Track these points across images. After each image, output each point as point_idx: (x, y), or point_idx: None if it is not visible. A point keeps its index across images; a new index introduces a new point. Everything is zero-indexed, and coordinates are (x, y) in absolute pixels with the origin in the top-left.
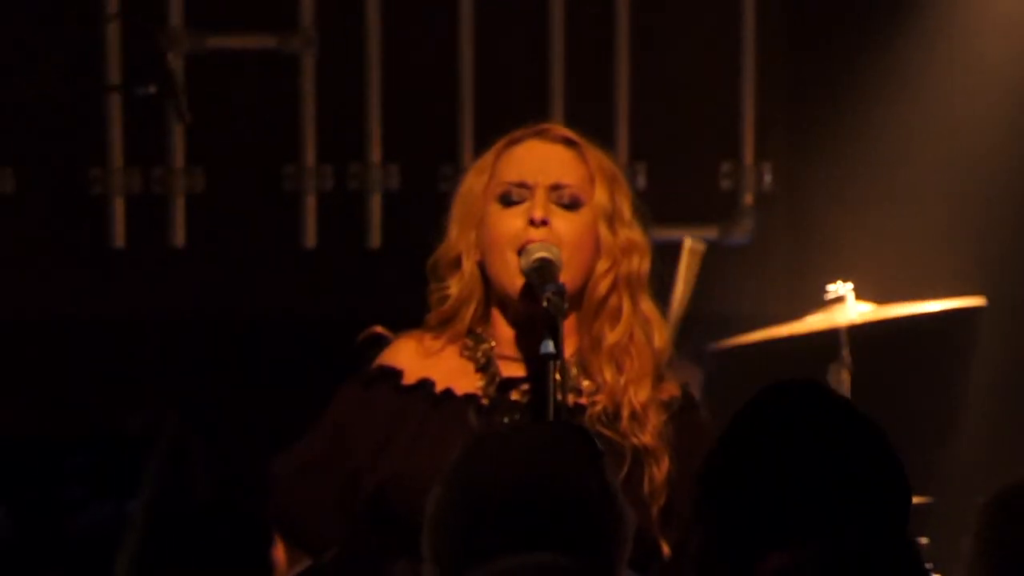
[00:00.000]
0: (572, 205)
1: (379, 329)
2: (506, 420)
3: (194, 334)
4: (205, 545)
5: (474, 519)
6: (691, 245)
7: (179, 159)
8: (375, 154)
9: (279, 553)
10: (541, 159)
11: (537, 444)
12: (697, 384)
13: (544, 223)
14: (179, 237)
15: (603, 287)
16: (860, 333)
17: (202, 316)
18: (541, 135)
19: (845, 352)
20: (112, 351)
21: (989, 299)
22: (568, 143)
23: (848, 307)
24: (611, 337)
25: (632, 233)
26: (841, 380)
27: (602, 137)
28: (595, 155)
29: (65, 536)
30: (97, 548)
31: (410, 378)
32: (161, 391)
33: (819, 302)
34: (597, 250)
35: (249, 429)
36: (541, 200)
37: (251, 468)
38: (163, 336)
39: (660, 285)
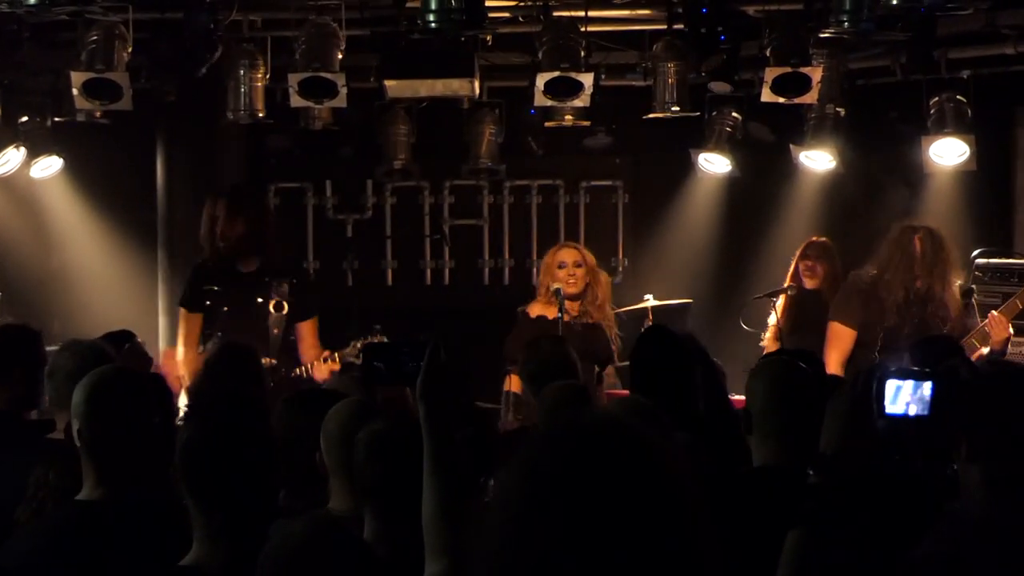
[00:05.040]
0: (579, 266)
1: (533, 302)
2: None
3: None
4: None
5: (543, 353)
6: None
7: None
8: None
9: (512, 381)
10: (570, 252)
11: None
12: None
13: (568, 273)
14: None
15: (591, 297)
16: (655, 311)
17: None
18: (567, 245)
19: (649, 319)
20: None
21: (694, 299)
22: (578, 248)
23: (649, 302)
24: (594, 301)
25: (601, 286)
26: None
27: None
28: (588, 253)
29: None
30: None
31: (529, 312)
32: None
33: (642, 299)
34: (588, 283)
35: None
36: (568, 266)
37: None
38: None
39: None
